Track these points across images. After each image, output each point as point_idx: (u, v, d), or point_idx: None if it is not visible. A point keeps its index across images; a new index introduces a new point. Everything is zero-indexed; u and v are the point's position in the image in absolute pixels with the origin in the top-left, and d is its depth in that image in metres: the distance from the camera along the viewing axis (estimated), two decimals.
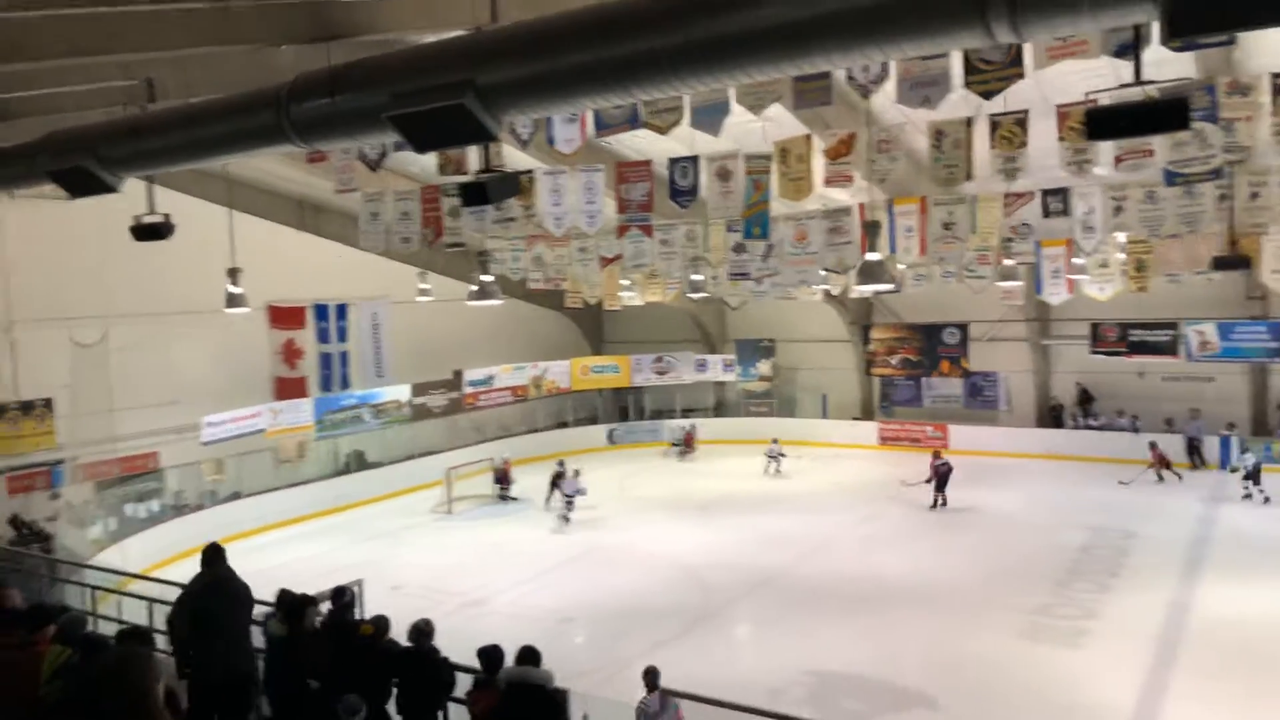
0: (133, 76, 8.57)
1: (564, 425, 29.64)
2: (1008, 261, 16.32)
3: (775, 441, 25.17)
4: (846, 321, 29.07)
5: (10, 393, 18.37)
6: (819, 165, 11.85)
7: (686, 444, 28.01)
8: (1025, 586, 14.85)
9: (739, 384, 30.71)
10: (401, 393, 24.87)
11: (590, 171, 13.26)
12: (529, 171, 13.66)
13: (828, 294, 25.27)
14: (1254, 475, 19.71)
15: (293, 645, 6.61)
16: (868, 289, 14.39)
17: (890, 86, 9.09)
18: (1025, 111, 10.40)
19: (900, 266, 20.05)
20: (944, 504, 20.25)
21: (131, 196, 8.08)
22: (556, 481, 21.21)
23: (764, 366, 30.56)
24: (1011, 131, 10.44)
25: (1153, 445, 22.30)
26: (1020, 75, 8.35)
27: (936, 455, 20.71)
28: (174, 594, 10.53)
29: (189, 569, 16.12)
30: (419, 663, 6.44)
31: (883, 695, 11.18)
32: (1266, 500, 19.32)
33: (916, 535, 18.44)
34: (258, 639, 6.94)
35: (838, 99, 10.30)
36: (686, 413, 30.44)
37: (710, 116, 10.25)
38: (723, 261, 18.03)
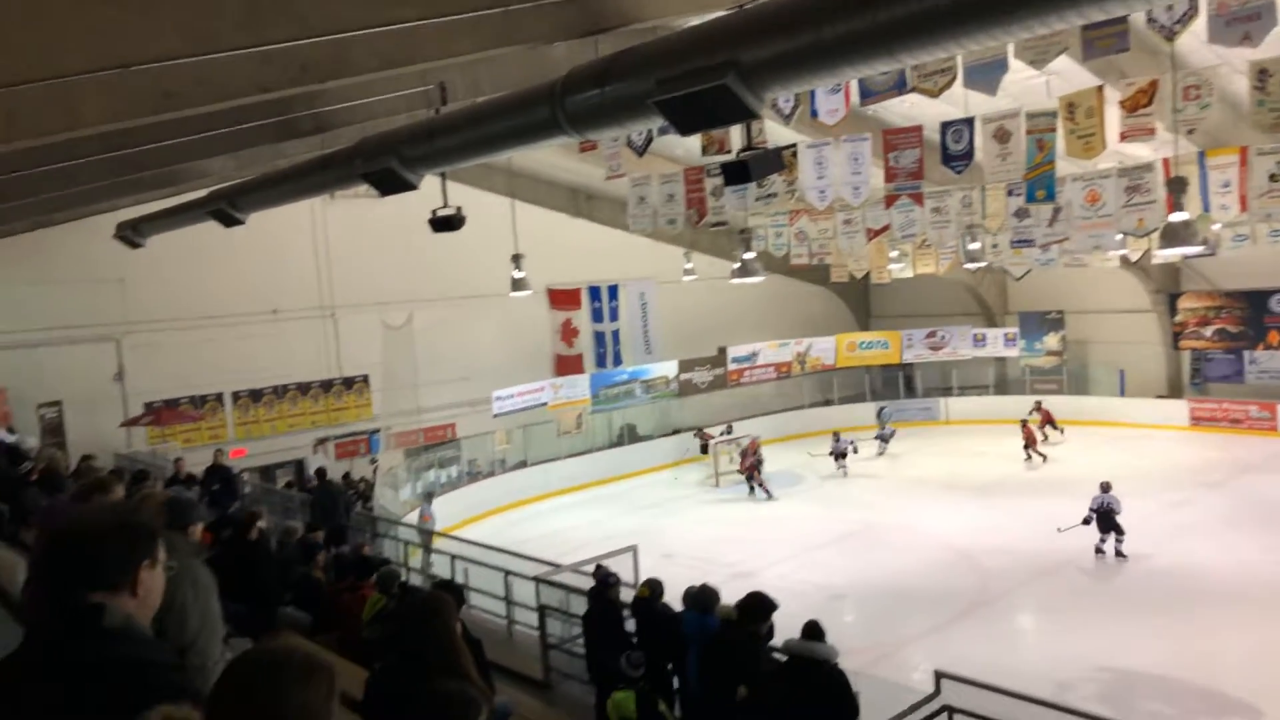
0: (429, 83, 9.42)
1: (829, 403, 29.19)
2: None
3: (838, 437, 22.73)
4: (1149, 290, 26.21)
5: (335, 370, 20.99)
6: (1113, 118, 10.75)
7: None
8: None
9: (1023, 359, 28.66)
10: (669, 369, 25.66)
11: (855, 141, 12.90)
12: (791, 146, 13.52)
13: (1126, 260, 22.91)
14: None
15: (739, 643, 6.17)
16: (1173, 253, 12.90)
17: (1200, 25, 8.05)
18: None
19: (1215, 227, 17.76)
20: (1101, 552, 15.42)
21: (428, 192, 8.89)
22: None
23: (1051, 340, 28.29)
24: None
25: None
26: None
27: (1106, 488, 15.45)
28: (471, 551, 11.64)
29: (484, 530, 17.66)
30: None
31: (1191, 700, 10.09)
32: None
33: (1236, 526, 16.35)
34: None
35: (1135, 44, 9.29)
36: (963, 390, 28.92)
37: (986, 75, 9.60)
38: (1003, 228, 16.89)
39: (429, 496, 18.11)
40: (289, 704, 1.52)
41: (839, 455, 22.08)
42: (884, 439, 23.73)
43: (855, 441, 22.50)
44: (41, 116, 5.46)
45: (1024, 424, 23.18)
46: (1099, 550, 15.17)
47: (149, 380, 18.33)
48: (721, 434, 23.94)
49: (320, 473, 14.56)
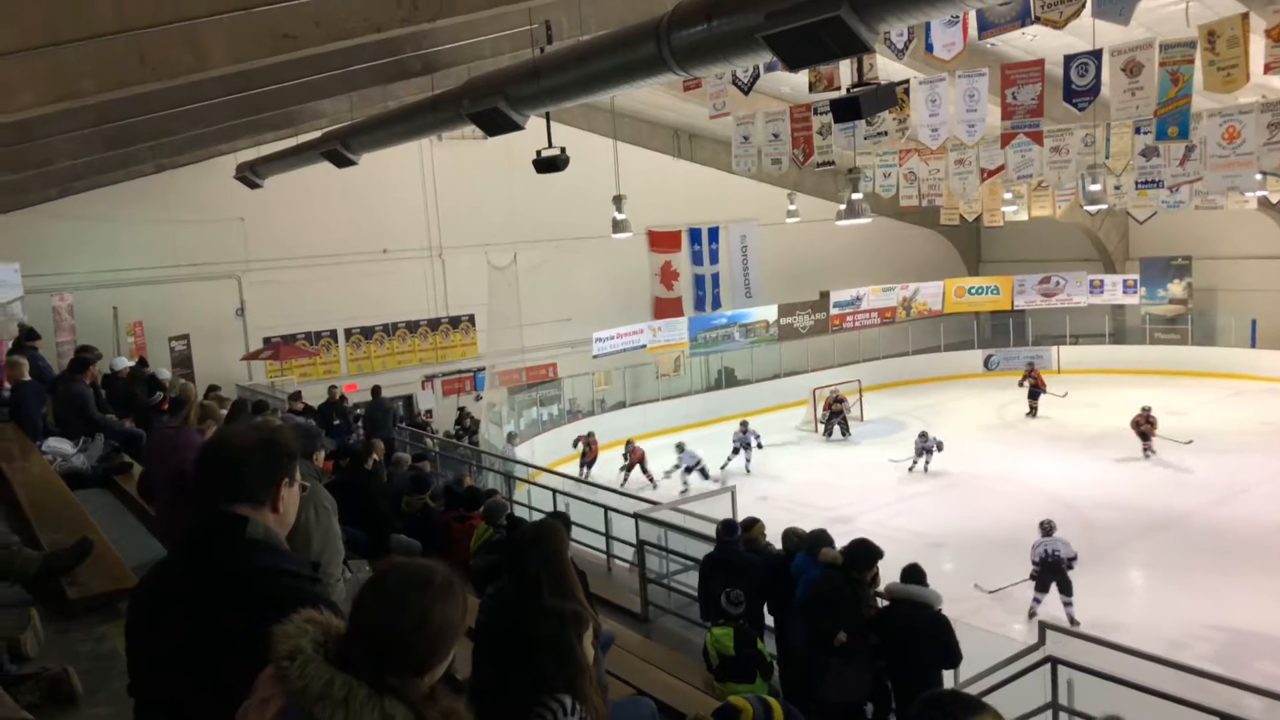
0: (534, 21, 9.42)
1: (936, 350, 28.44)
2: None
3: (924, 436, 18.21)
4: None
5: (442, 309, 21.56)
6: (1259, 49, 9.99)
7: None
8: None
9: (1143, 307, 27.30)
10: (769, 313, 25.42)
11: (972, 77, 12.35)
12: (904, 82, 13.04)
13: (1264, 201, 21.46)
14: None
15: (842, 588, 6.01)
16: None
17: None
18: None
19: None
20: None
21: (531, 134, 8.94)
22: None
23: (1175, 288, 26.83)
24: None
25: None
26: None
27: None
28: (570, 486, 11.92)
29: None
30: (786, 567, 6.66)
31: None
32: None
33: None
34: None
35: None
36: (1076, 339, 27.78)
37: (1119, 3, 9.02)
38: (1127, 168, 16.01)
39: (511, 437, 18.48)
40: (432, 617, 1.61)
41: (923, 452, 17.83)
42: (927, 450, 17.80)
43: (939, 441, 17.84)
44: (170, 58, 5.69)
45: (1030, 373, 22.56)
46: (1032, 614, 10.94)
47: (267, 316, 19.21)
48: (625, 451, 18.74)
49: (375, 390, 15.67)
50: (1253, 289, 25.43)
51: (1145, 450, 17.80)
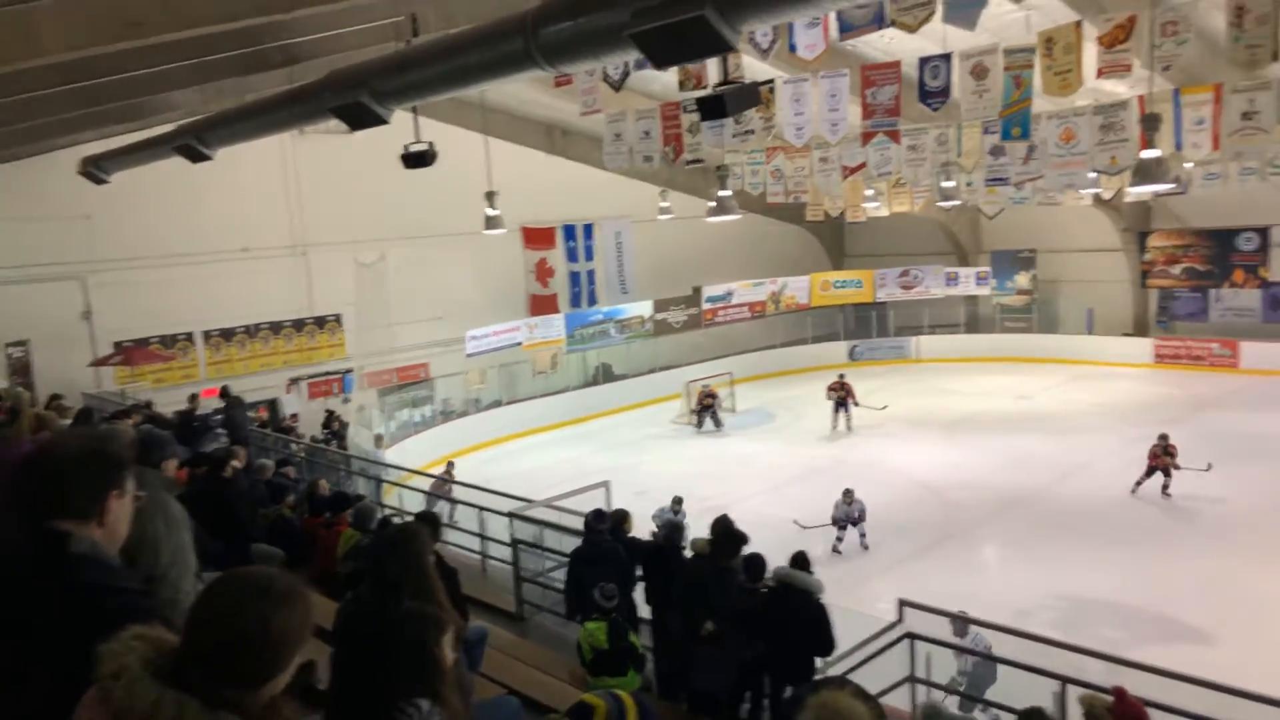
0: (399, 13, 9.19)
1: (803, 342, 29.33)
2: None
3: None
4: (1119, 228, 26.43)
5: (307, 309, 20.81)
6: (1091, 55, 10.71)
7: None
8: None
9: (994, 298, 28.93)
10: (644, 309, 25.66)
11: (834, 77, 12.73)
12: (769, 82, 13.35)
13: (1098, 198, 23.02)
14: None
15: (711, 577, 6.06)
16: (1145, 190, 12.99)
17: None
18: None
19: (1187, 165, 17.88)
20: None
21: (399, 128, 8.72)
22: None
23: (1022, 279, 28.55)
24: None
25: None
26: None
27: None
28: (445, 487, 11.70)
29: (459, 468, 17.55)
30: (664, 557, 6.75)
31: (1145, 626, 10.47)
32: None
33: (1190, 462, 16.71)
34: None
35: None
36: (934, 328, 29.17)
37: (966, 9, 9.47)
38: (977, 166, 16.86)
39: (378, 439, 18.05)
40: (270, 627, 1.54)
41: (849, 522, 13.87)
42: (853, 521, 13.83)
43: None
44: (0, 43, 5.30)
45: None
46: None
47: (118, 319, 18.08)
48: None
49: (225, 391, 14.78)
50: (1089, 280, 27.37)
51: (1165, 488, 15.00)
